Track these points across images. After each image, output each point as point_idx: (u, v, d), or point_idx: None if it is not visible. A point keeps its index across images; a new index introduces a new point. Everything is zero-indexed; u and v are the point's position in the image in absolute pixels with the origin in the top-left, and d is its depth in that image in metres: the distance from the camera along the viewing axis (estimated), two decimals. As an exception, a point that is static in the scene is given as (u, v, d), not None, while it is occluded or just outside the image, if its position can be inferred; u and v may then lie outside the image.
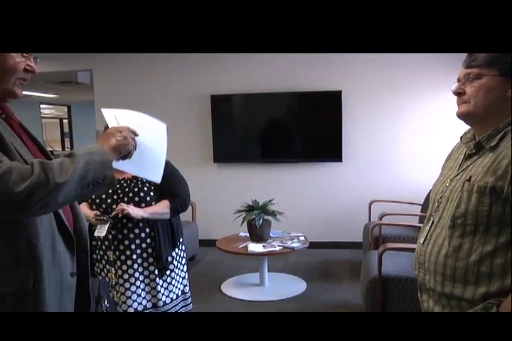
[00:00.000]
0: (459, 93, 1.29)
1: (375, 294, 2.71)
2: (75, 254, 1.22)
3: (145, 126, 1.26)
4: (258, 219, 3.57)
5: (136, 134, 1.22)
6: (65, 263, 1.18)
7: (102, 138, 1.18)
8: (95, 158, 1.07)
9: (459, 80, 1.30)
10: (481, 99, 1.23)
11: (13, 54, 1.10)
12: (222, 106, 4.88)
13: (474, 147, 1.28)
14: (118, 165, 1.21)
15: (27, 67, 1.15)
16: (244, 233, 3.86)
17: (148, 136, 1.25)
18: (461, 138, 1.41)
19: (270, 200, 3.73)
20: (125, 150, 1.18)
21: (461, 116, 1.29)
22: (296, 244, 3.62)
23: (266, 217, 3.66)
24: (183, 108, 4.97)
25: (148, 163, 1.32)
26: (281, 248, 3.55)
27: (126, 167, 1.19)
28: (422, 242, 1.36)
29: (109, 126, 1.25)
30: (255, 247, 3.57)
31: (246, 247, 3.59)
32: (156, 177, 1.40)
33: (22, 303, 1.08)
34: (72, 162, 1.04)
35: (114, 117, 1.27)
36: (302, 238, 3.81)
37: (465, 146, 1.36)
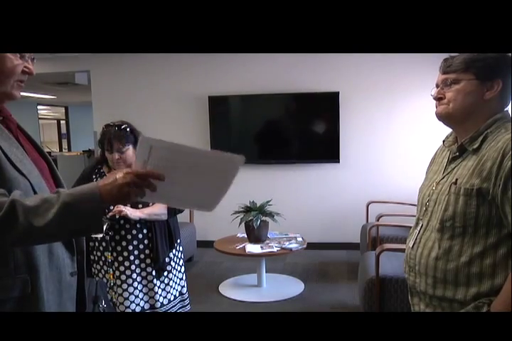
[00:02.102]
0: (439, 98, 1.31)
1: (372, 295, 2.72)
2: (74, 254, 1.22)
3: (198, 162, 1.08)
4: (256, 220, 3.57)
5: (160, 179, 1.00)
6: (63, 264, 1.18)
7: (105, 179, 1.01)
8: (82, 205, 0.97)
9: (437, 85, 1.33)
10: (459, 102, 1.26)
11: (10, 56, 1.10)
12: (219, 107, 4.88)
13: (457, 150, 1.30)
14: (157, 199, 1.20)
15: (25, 69, 1.14)
16: (242, 234, 3.86)
17: (202, 169, 1.08)
18: (443, 141, 1.43)
19: (268, 201, 3.73)
20: (122, 200, 1.05)
21: (439, 116, 1.33)
22: (293, 245, 3.62)
23: (263, 218, 3.65)
24: (180, 109, 4.96)
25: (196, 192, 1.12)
26: (278, 249, 3.55)
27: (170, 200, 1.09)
28: (411, 246, 1.37)
29: (136, 159, 1.03)
30: (253, 248, 3.57)
31: (244, 248, 3.59)
32: (209, 207, 1.15)
33: (22, 307, 1.09)
34: (53, 205, 0.94)
35: (149, 149, 1.00)
36: (300, 239, 3.81)
37: (448, 150, 1.37)
